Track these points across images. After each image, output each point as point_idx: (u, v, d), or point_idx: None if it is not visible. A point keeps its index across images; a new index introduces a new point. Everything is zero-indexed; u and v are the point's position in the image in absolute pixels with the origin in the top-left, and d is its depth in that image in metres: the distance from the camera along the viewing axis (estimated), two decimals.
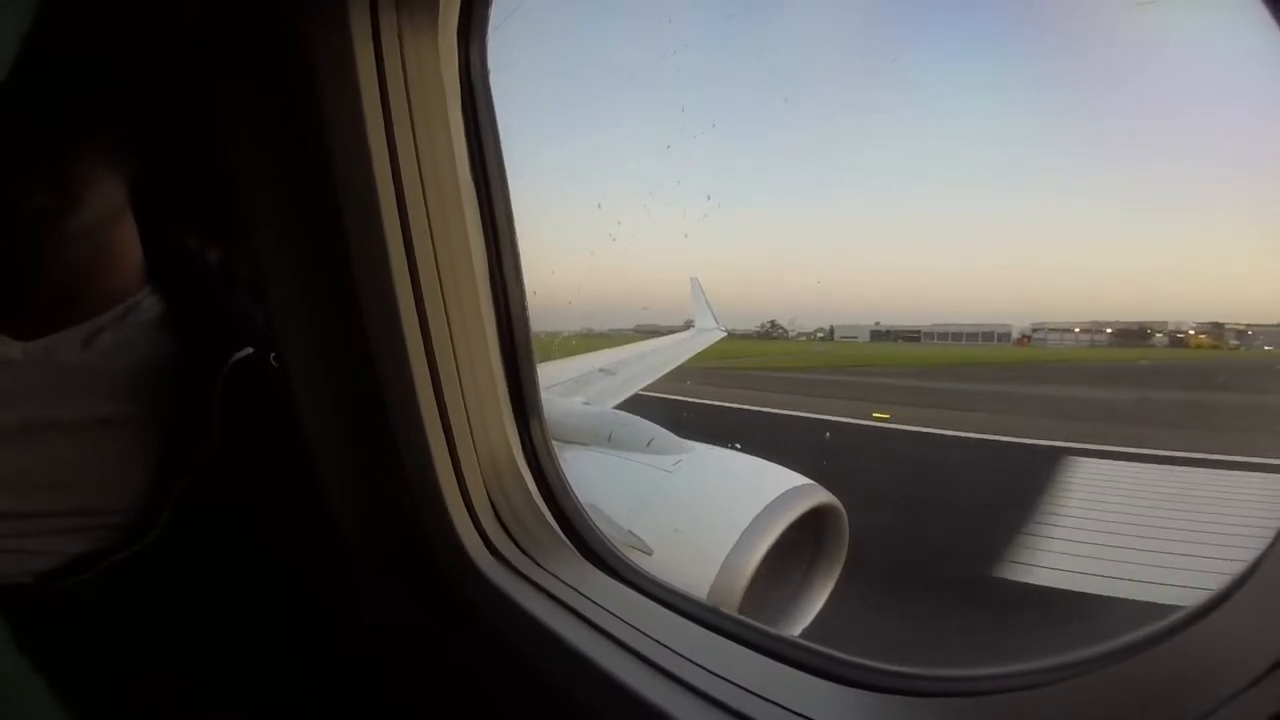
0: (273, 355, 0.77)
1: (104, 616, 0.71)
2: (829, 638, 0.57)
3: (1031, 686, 0.41)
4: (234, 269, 0.83)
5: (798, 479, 1.39)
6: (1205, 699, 0.32)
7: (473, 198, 0.73)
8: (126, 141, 0.72)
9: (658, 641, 0.59)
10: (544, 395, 0.84)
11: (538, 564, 0.74)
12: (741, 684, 0.53)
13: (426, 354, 0.71)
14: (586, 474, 1.49)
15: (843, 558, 1.42)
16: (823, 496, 1.38)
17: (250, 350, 0.76)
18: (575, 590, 0.69)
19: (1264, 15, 0.29)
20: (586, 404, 2.34)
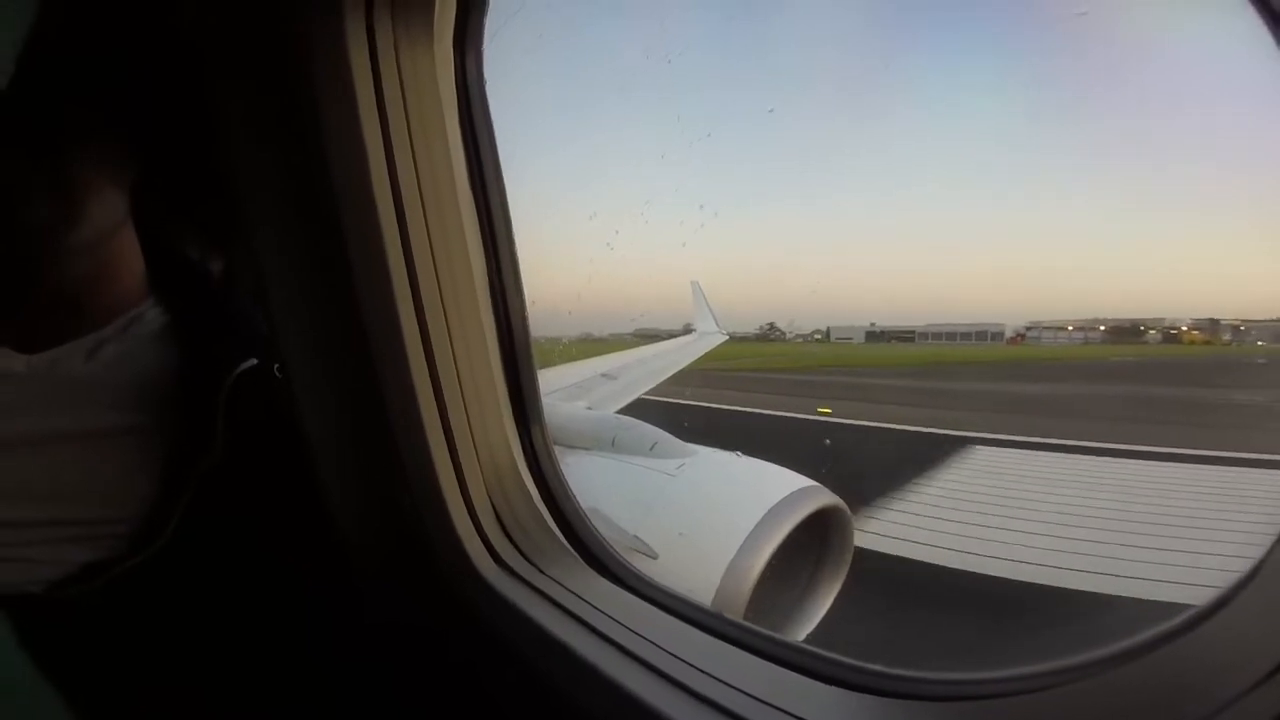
0: (276, 366, 0.77)
1: (112, 625, 0.71)
2: None
3: (1033, 690, 0.41)
4: (235, 279, 0.84)
5: (802, 481, 1.39)
6: (1206, 703, 0.32)
7: (471, 205, 0.74)
8: (127, 153, 0.72)
9: (660, 647, 0.59)
10: (547, 400, 0.84)
11: (540, 570, 0.74)
12: (744, 689, 0.53)
13: (427, 361, 0.71)
14: (590, 479, 1.48)
15: (849, 560, 1.42)
16: (827, 499, 1.37)
17: (254, 361, 0.76)
18: (578, 596, 0.69)
19: (1254, 15, 0.29)
20: (589, 409, 2.34)
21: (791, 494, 1.34)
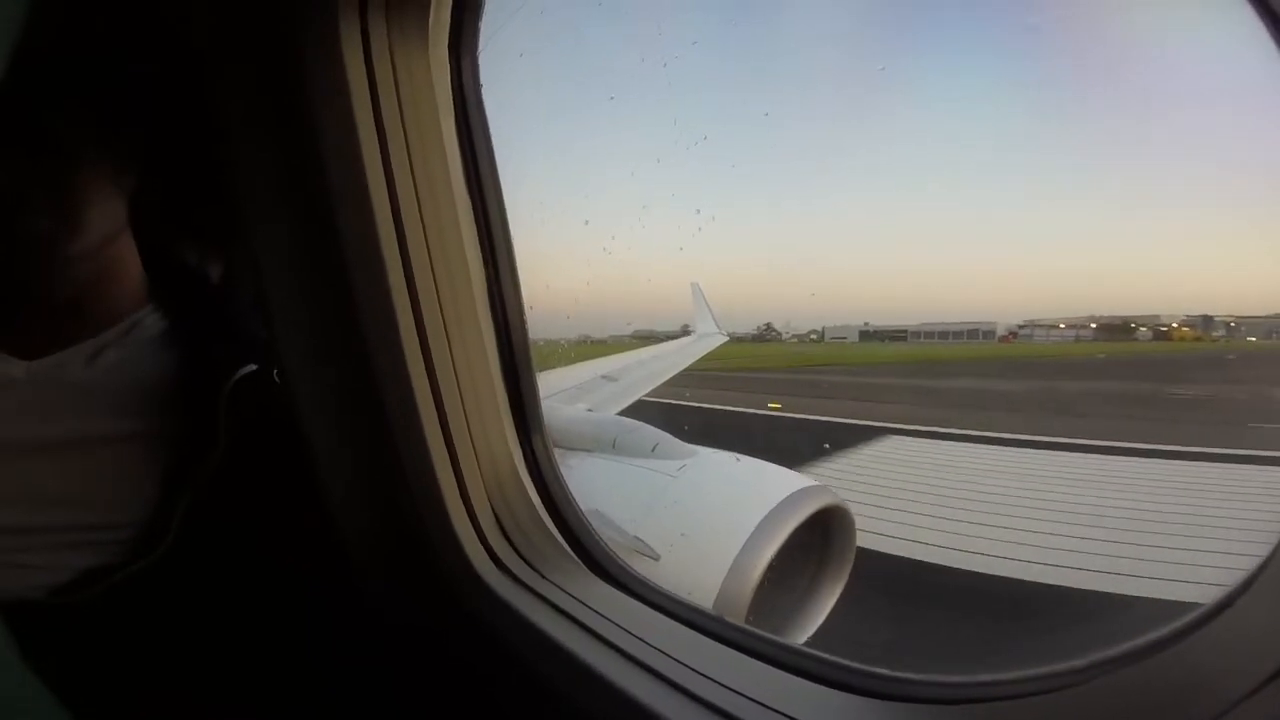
0: (275, 371, 0.77)
1: (114, 630, 0.71)
2: None
3: (1033, 693, 0.41)
4: (234, 284, 0.84)
5: (804, 481, 1.38)
6: (1209, 705, 0.32)
7: (468, 210, 0.74)
8: (126, 160, 0.73)
9: (660, 651, 0.59)
10: (548, 403, 0.84)
11: (540, 574, 0.74)
12: (744, 692, 0.52)
13: (426, 365, 0.71)
14: (592, 480, 1.48)
15: (851, 559, 1.41)
16: (829, 498, 1.37)
17: (253, 367, 0.76)
18: (578, 600, 0.69)
19: (1248, 15, 0.28)
20: (590, 411, 2.34)
21: (793, 494, 1.34)
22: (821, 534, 1.39)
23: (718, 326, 5.59)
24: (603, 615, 0.66)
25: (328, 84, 0.63)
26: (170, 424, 0.74)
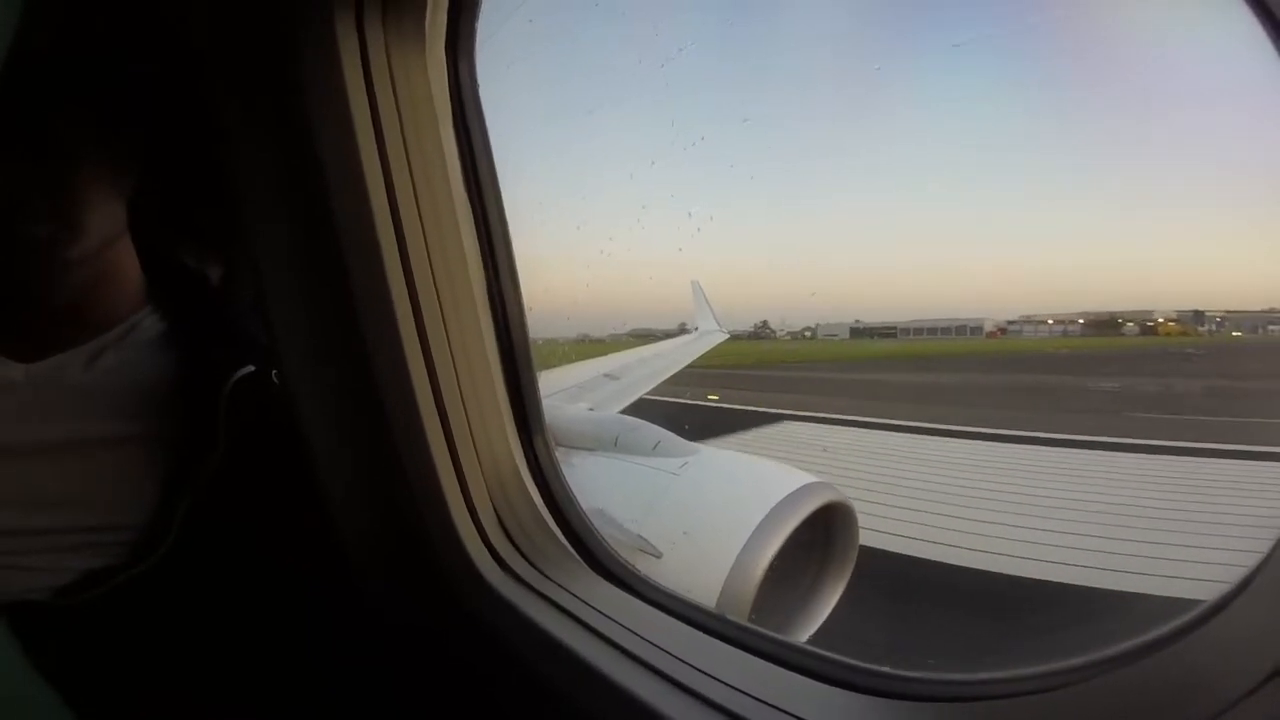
0: (274, 372, 0.77)
1: (117, 631, 0.71)
2: None
3: (1031, 692, 0.41)
4: (233, 286, 0.84)
5: (806, 478, 1.38)
6: (1207, 705, 0.32)
7: (467, 210, 0.74)
8: (124, 162, 0.73)
9: (663, 649, 0.59)
10: (549, 402, 0.84)
11: (543, 574, 0.74)
12: (747, 691, 0.53)
13: (427, 367, 0.71)
14: (594, 479, 1.48)
15: (854, 556, 1.41)
16: (832, 495, 1.37)
17: (252, 368, 0.77)
18: (580, 599, 0.69)
19: (1242, 13, 0.28)
20: (592, 410, 2.34)
21: (795, 491, 1.33)
22: (824, 531, 1.39)
23: (718, 324, 5.59)
24: (605, 614, 0.66)
25: (325, 85, 0.63)
26: (170, 426, 0.74)
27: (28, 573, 0.71)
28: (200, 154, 0.76)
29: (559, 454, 0.85)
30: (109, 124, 0.71)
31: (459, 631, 0.73)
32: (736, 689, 0.53)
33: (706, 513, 1.38)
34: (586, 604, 0.68)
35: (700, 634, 0.63)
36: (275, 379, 0.77)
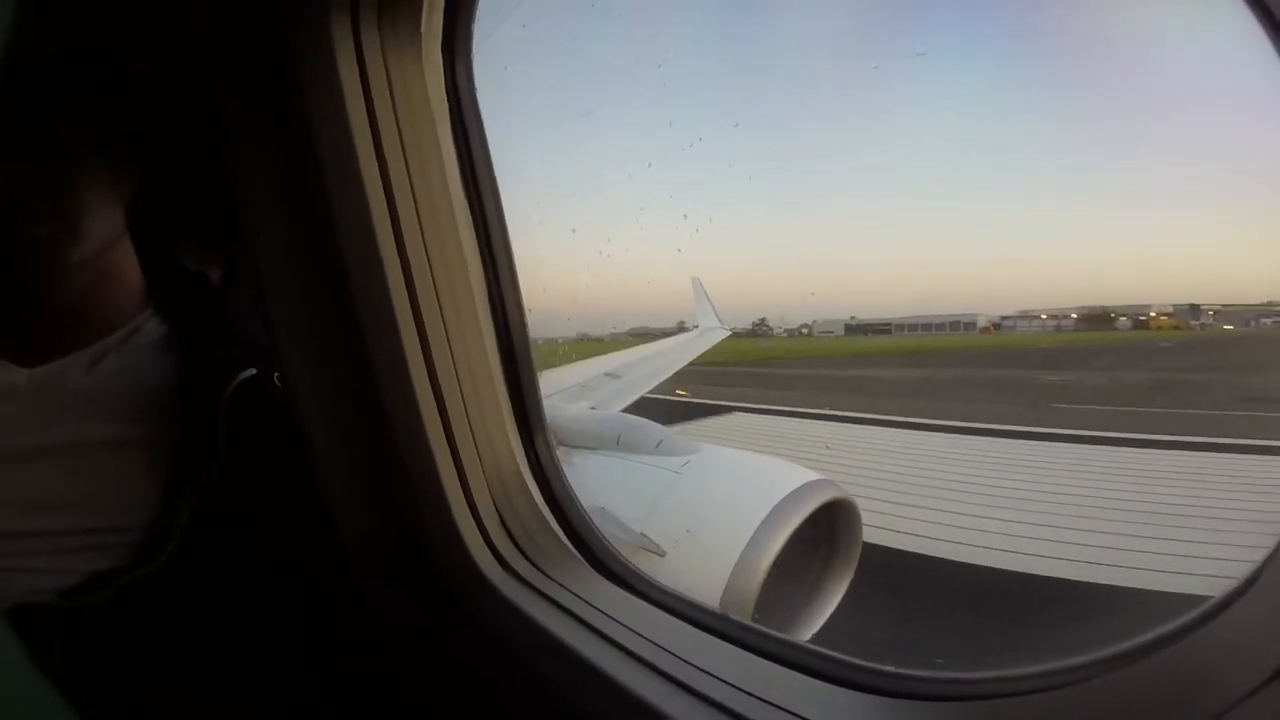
0: (276, 375, 0.77)
1: (120, 633, 0.72)
2: None
3: (1033, 691, 0.41)
4: (233, 288, 0.84)
5: (809, 475, 1.38)
6: (1210, 704, 0.32)
7: (466, 210, 0.74)
8: (124, 166, 0.73)
9: (665, 649, 0.59)
10: (551, 401, 0.84)
11: (545, 574, 0.74)
12: (747, 689, 0.52)
13: (427, 368, 0.71)
14: (596, 478, 1.48)
15: (858, 553, 1.41)
16: (835, 492, 1.36)
17: (253, 370, 0.77)
18: (582, 600, 0.69)
19: (1242, 11, 0.28)
20: (594, 409, 2.34)
21: (798, 488, 1.33)
22: (827, 528, 1.39)
23: (719, 321, 5.58)
24: (608, 614, 0.66)
25: (323, 87, 0.63)
26: (172, 428, 0.74)
27: (30, 575, 0.71)
28: (199, 156, 0.76)
29: (560, 453, 0.85)
30: (108, 126, 0.71)
31: (460, 631, 0.73)
32: (739, 689, 0.53)
33: (709, 511, 1.38)
34: (589, 604, 0.68)
35: (703, 634, 0.63)
36: (277, 382, 0.77)
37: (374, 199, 0.66)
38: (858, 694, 0.50)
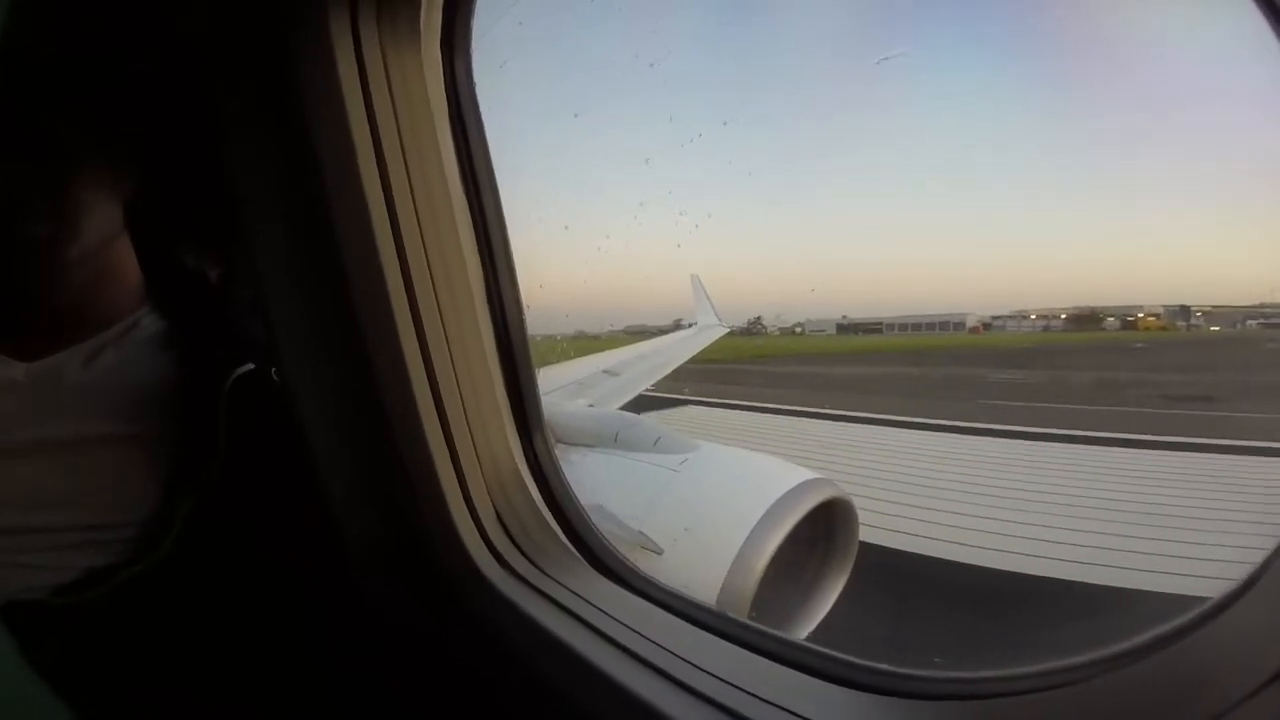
0: (273, 370, 0.77)
1: (116, 630, 0.72)
2: None
3: (1033, 690, 0.41)
4: (231, 284, 0.84)
5: (806, 474, 1.38)
6: (1209, 705, 0.32)
7: (464, 206, 0.73)
8: (122, 162, 0.72)
9: (663, 647, 0.59)
10: (549, 398, 0.84)
11: (542, 571, 0.74)
12: (746, 688, 0.52)
13: (426, 365, 0.71)
14: (594, 476, 1.48)
15: (854, 552, 1.41)
16: (832, 491, 1.37)
17: (251, 365, 0.77)
18: (580, 597, 0.69)
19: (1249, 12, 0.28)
20: (592, 406, 2.34)
21: (795, 487, 1.33)
22: (824, 527, 1.39)
23: (718, 319, 5.58)
24: (605, 612, 0.66)
25: (321, 83, 0.63)
26: (170, 424, 0.74)
27: (28, 571, 0.71)
28: (198, 153, 0.76)
29: (558, 450, 0.85)
30: (107, 123, 0.70)
31: (458, 629, 0.73)
32: (737, 686, 0.53)
33: (707, 509, 1.38)
34: (586, 601, 0.68)
35: (701, 631, 0.63)
36: (275, 376, 0.77)
37: (372, 196, 0.66)
38: (856, 693, 0.50)
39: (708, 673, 0.55)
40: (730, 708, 0.51)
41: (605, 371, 2.96)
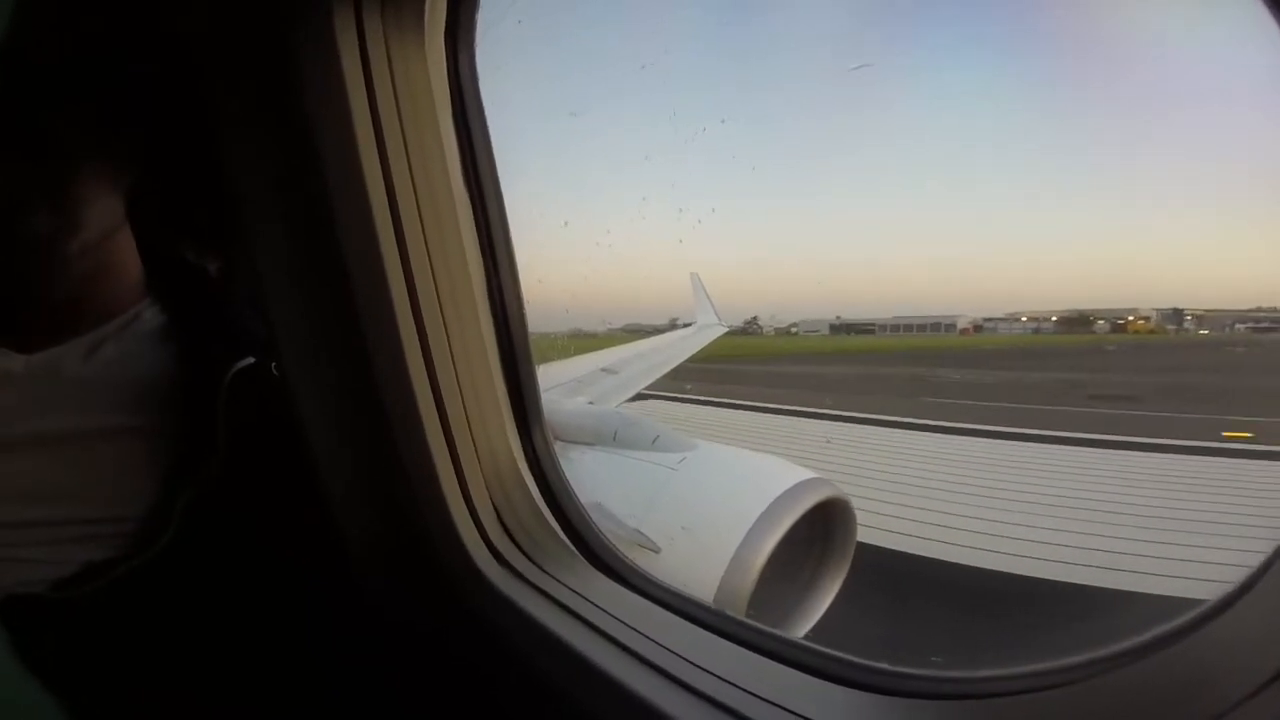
0: (273, 364, 0.77)
1: (113, 625, 0.71)
2: None
3: (1033, 690, 0.41)
4: (232, 279, 0.84)
5: (804, 473, 1.38)
6: (1209, 705, 0.32)
7: (466, 202, 0.73)
8: (123, 156, 0.72)
9: (661, 645, 0.59)
10: (548, 396, 0.84)
11: (542, 569, 0.74)
12: (745, 687, 0.52)
13: (425, 360, 0.70)
14: (593, 474, 1.48)
15: (851, 552, 1.41)
16: (830, 491, 1.37)
17: (251, 360, 0.76)
18: (579, 594, 0.69)
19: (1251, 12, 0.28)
20: (591, 404, 2.34)
21: (793, 487, 1.34)
22: (822, 527, 1.39)
23: (718, 318, 5.59)
24: (604, 610, 0.66)
25: (323, 76, 0.62)
26: (169, 417, 0.74)
27: (25, 565, 0.70)
28: (200, 147, 0.75)
29: (557, 448, 0.85)
30: (108, 118, 0.70)
31: (456, 626, 0.73)
32: (735, 685, 0.53)
33: (705, 508, 1.38)
34: (585, 599, 0.68)
35: (700, 629, 0.63)
36: (275, 370, 0.77)
37: (374, 189, 0.65)
38: (855, 692, 0.50)
39: (707, 671, 0.55)
40: (729, 706, 0.51)
41: (604, 370, 2.96)
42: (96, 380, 0.72)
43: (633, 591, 0.71)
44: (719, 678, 0.54)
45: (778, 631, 0.60)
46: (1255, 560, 0.33)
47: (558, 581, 0.72)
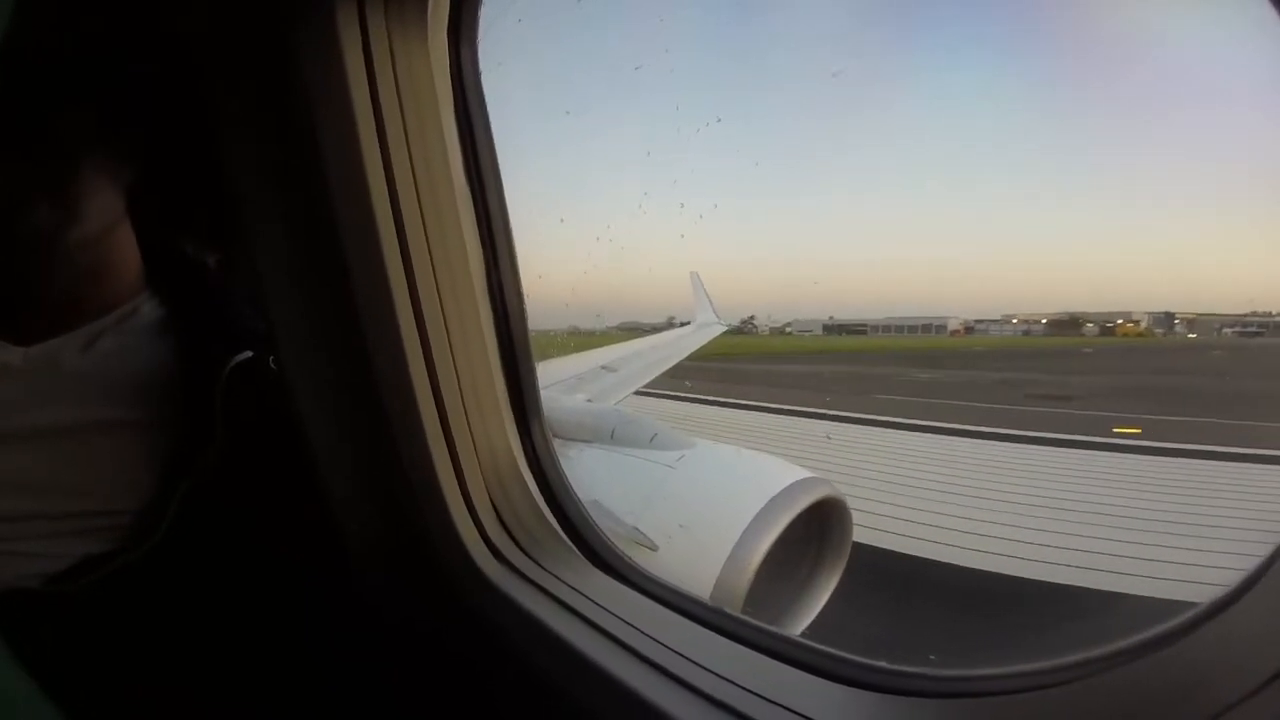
0: (271, 359, 0.77)
1: (109, 619, 0.71)
2: None
3: (1033, 689, 0.41)
4: (232, 273, 0.83)
5: (801, 473, 1.39)
6: (1206, 705, 0.32)
7: (467, 199, 0.73)
8: (124, 150, 0.72)
9: (659, 642, 0.59)
10: (546, 393, 0.84)
11: (540, 565, 0.74)
12: (744, 684, 0.53)
13: (424, 356, 0.70)
14: (591, 471, 1.48)
15: (847, 551, 1.42)
16: (827, 490, 1.37)
17: (249, 354, 0.76)
18: (577, 591, 0.69)
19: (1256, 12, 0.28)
20: (589, 401, 2.34)
21: (790, 486, 1.34)
22: (818, 526, 1.39)
23: (717, 316, 5.59)
24: (602, 606, 0.66)
25: (325, 72, 0.62)
26: (166, 411, 0.74)
27: (22, 558, 0.70)
28: (200, 142, 0.75)
29: (556, 445, 0.85)
30: (108, 114, 0.70)
31: (455, 623, 0.73)
32: (734, 683, 0.53)
33: (702, 506, 1.39)
34: (583, 596, 0.68)
35: (698, 627, 0.63)
36: (272, 365, 0.77)
37: (375, 184, 0.65)
38: (855, 690, 0.50)
39: (705, 669, 0.55)
40: (727, 704, 0.51)
41: (603, 367, 2.96)
42: (94, 373, 0.72)
43: (631, 588, 0.71)
44: (717, 675, 0.54)
45: (776, 629, 0.60)
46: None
47: (556, 578, 0.72)
